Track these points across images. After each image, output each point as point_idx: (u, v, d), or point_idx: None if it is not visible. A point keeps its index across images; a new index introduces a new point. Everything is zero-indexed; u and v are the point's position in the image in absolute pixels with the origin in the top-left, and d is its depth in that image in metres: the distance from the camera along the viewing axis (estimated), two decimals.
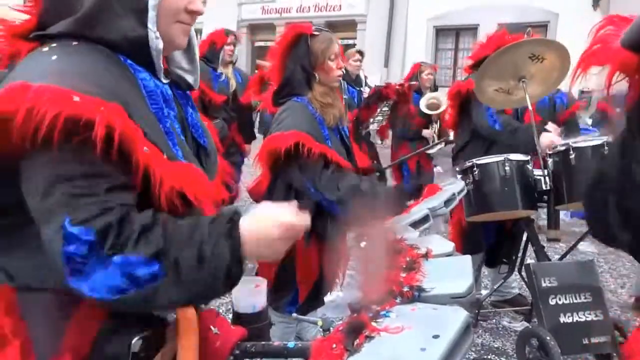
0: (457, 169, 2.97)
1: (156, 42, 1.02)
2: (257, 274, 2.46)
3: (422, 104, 5.37)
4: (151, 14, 1.00)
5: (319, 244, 2.24)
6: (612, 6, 11.01)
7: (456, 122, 3.50)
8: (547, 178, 2.72)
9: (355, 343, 0.82)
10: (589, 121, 6.79)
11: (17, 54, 1.01)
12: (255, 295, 1.24)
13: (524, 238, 3.08)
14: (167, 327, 1.05)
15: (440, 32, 14.17)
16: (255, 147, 5.00)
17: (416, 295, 0.95)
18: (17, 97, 0.83)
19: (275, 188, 2.29)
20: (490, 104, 2.98)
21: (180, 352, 1.03)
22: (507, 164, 2.73)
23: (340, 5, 15.02)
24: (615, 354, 2.35)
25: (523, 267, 3.10)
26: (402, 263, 1.09)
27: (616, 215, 0.90)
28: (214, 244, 0.89)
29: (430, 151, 5.19)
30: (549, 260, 2.87)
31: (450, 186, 2.19)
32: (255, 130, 5.30)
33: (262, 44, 16.64)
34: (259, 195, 2.40)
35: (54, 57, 0.93)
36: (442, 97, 5.38)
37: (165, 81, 1.10)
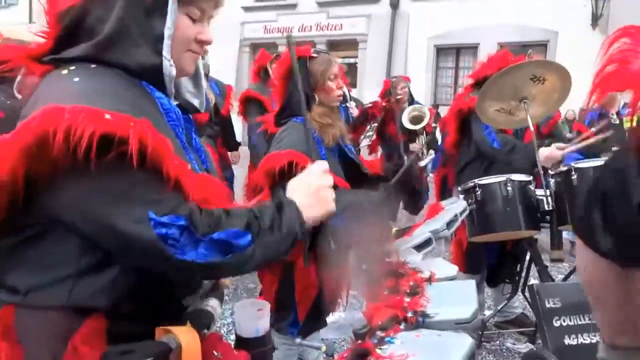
0: (459, 188, 2.97)
1: (170, 70, 1.06)
2: (260, 294, 2.45)
3: (405, 119, 5.20)
4: (166, 43, 1.04)
5: (318, 263, 2.24)
6: (611, 25, 11.12)
7: (457, 141, 3.49)
8: (549, 198, 2.72)
9: None
10: (569, 135, 6.81)
11: (29, 75, 1.05)
12: (258, 319, 1.23)
13: (527, 258, 3.07)
14: (170, 353, 1.04)
15: (441, 50, 14.31)
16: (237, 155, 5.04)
17: (420, 320, 0.95)
18: (54, 118, 0.86)
19: None
20: (492, 124, 2.99)
21: None
22: (509, 184, 2.73)
23: (341, 25, 15.18)
24: None
25: (526, 288, 3.08)
26: (406, 287, 1.09)
27: (600, 216, 0.85)
28: (282, 212, 1.05)
29: (422, 163, 5.15)
30: (553, 280, 2.85)
31: (452, 206, 2.19)
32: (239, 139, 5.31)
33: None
34: None
35: (76, 79, 0.96)
36: (423, 108, 5.29)
37: (174, 103, 1.13)
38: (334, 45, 15.00)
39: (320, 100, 2.26)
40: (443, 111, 8.67)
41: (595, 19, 11.72)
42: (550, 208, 2.72)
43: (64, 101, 0.89)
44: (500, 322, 3.52)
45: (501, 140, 3.07)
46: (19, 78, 1.13)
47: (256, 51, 16.68)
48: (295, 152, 2.10)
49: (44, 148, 0.86)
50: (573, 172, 2.63)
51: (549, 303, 2.49)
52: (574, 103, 2.70)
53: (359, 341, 0.91)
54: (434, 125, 5.90)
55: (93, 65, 1.01)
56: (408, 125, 5.19)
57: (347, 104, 5.02)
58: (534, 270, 2.96)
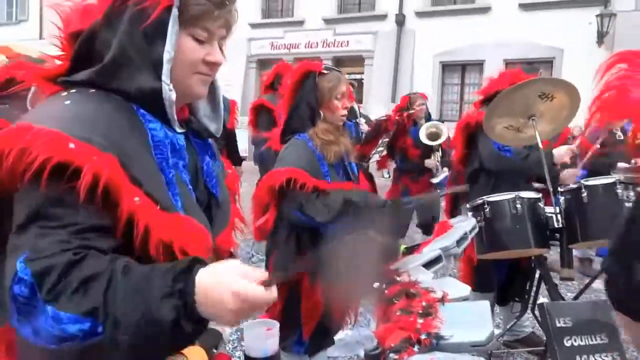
0: (468, 205, 2.95)
1: (169, 94, 1.03)
2: (267, 311, 2.43)
3: (422, 134, 5.25)
4: (165, 67, 1.02)
5: (323, 281, 2.22)
6: (617, 42, 11.15)
7: (464, 156, 3.47)
8: (559, 216, 2.69)
9: None
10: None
11: (37, 94, 1.09)
12: (266, 339, 1.22)
13: (537, 276, 3.03)
14: None
15: (447, 67, 14.37)
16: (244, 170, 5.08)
17: (434, 343, 0.93)
18: (15, 137, 0.88)
19: (278, 226, 2.29)
20: (500, 140, 2.98)
21: None
22: (518, 202, 2.71)
23: (347, 41, 15.29)
24: None
25: (536, 306, 3.04)
26: (418, 308, 1.07)
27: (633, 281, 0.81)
28: (159, 302, 0.83)
29: (435, 180, 5.14)
30: (563, 299, 2.81)
31: (461, 224, 2.17)
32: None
33: None
34: (265, 234, 2.40)
35: (67, 102, 0.98)
36: (441, 125, 5.32)
37: (180, 131, 1.10)
38: (340, 62, 15.09)
39: (324, 117, 2.26)
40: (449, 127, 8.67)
41: (601, 37, 11.76)
42: (560, 226, 2.69)
43: (39, 122, 0.91)
44: (509, 341, 3.46)
45: (514, 150, 3.06)
46: (31, 92, 1.15)
47: (263, 67, 16.84)
48: (294, 169, 2.10)
49: (2, 164, 0.89)
50: (583, 190, 2.61)
51: (559, 322, 2.45)
52: (580, 119, 2.68)
53: None
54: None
55: (92, 90, 1.01)
56: (425, 141, 5.21)
57: (358, 120, 5.05)
58: (543, 288, 2.92)
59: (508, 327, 3.29)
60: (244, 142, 5.43)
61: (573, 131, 10.00)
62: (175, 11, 1.01)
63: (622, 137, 4.89)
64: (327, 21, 15.59)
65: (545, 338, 2.62)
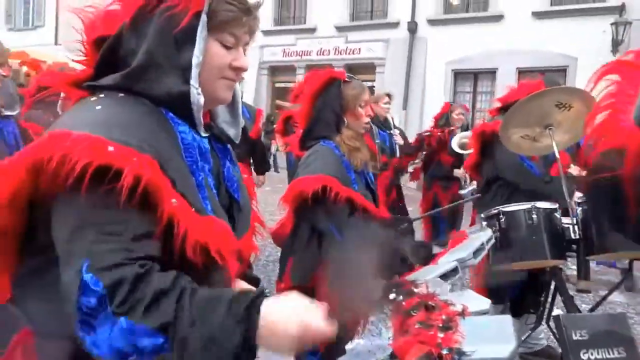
0: (482, 215, 2.92)
1: (197, 98, 1.05)
2: None
3: (455, 142, 5.37)
4: (194, 72, 1.04)
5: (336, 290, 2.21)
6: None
7: (477, 164, 3.45)
8: (576, 227, 2.65)
9: None
10: None
11: (66, 100, 1.12)
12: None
13: (552, 287, 2.99)
14: None
15: (459, 75, 14.33)
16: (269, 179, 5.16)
17: (456, 358, 0.91)
18: (55, 144, 0.88)
19: (299, 231, 2.28)
20: (516, 149, 2.95)
21: None
22: (534, 212, 2.67)
23: (359, 49, 15.31)
24: None
25: (551, 318, 3.00)
26: (438, 321, 1.05)
27: None
28: (228, 328, 0.84)
29: (462, 192, 5.17)
30: (579, 311, 2.77)
31: (477, 235, 2.14)
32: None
33: (282, 85, 16.96)
34: (282, 238, 2.39)
35: (98, 107, 0.98)
36: None
37: (204, 135, 1.11)
38: (352, 69, 15.11)
39: (348, 124, 2.28)
40: None
41: (616, 45, 11.64)
42: (577, 237, 2.65)
43: (75, 127, 0.91)
44: (524, 353, 3.41)
45: (540, 171, 3.02)
46: (61, 98, 1.18)
47: (274, 74, 16.91)
48: (328, 177, 2.10)
49: (39, 172, 0.89)
50: None
51: (575, 335, 2.40)
52: None
53: None
54: None
55: (121, 94, 1.02)
56: (456, 149, 5.34)
57: (392, 132, 5.15)
58: (557, 299, 2.88)
59: (523, 338, 3.24)
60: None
61: None
62: (204, 17, 1.03)
63: None
64: (339, 29, 15.64)
65: (560, 351, 2.58)
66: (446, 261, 1.71)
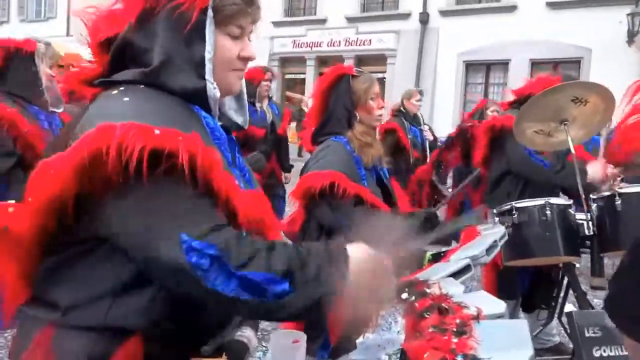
0: (495, 211, 2.88)
1: (214, 92, 1.07)
2: None
3: None
4: (208, 67, 1.06)
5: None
6: None
7: (486, 158, 3.39)
8: (590, 223, 2.61)
9: None
10: None
11: (81, 96, 1.13)
12: (294, 351, 1.19)
13: (565, 283, 2.96)
14: None
15: (470, 66, 14.20)
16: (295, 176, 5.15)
17: None
18: (107, 135, 0.88)
19: (309, 227, 2.27)
20: (529, 144, 2.91)
21: None
22: (547, 208, 2.64)
23: (370, 40, 15.21)
24: None
25: (564, 314, 2.97)
26: (452, 326, 1.02)
27: None
28: (333, 266, 0.93)
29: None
30: (592, 307, 2.74)
31: (489, 231, 2.11)
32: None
33: (292, 76, 16.93)
34: (292, 233, 2.39)
35: (126, 99, 0.99)
36: None
37: (218, 124, 1.14)
38: (363, 61, 15.03)
39: (360, 118, 2.25)
40: None
41: (632, 36, 11.44)
42: (591, 233, 2.61)
43: (114, 119, 0.91)
44: (536, 349, 3.39)
45: (550, 162, 2.97)
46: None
47: (285, 65, 16.87)
48: (337, 173, 2.09)
49: (98, 165, 0.88)
50: (617, 197, 2.53)
51: (588, 332, 2.38)
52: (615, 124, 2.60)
53: None
54: None
55: (142, 86, 1.04)
56: None
57: (422, 127, 5.12)
58: (570, 295, 2.84)
59: (534, 334, 3.21)
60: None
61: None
62: (210, 12, 1.04)
63: None
64: (350, 20, 15.53)
65: (572, 347, 2.56)
66: (458, 258, 1.68)
